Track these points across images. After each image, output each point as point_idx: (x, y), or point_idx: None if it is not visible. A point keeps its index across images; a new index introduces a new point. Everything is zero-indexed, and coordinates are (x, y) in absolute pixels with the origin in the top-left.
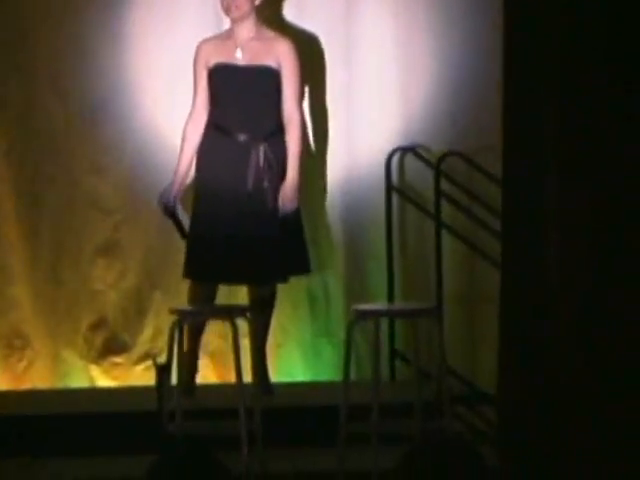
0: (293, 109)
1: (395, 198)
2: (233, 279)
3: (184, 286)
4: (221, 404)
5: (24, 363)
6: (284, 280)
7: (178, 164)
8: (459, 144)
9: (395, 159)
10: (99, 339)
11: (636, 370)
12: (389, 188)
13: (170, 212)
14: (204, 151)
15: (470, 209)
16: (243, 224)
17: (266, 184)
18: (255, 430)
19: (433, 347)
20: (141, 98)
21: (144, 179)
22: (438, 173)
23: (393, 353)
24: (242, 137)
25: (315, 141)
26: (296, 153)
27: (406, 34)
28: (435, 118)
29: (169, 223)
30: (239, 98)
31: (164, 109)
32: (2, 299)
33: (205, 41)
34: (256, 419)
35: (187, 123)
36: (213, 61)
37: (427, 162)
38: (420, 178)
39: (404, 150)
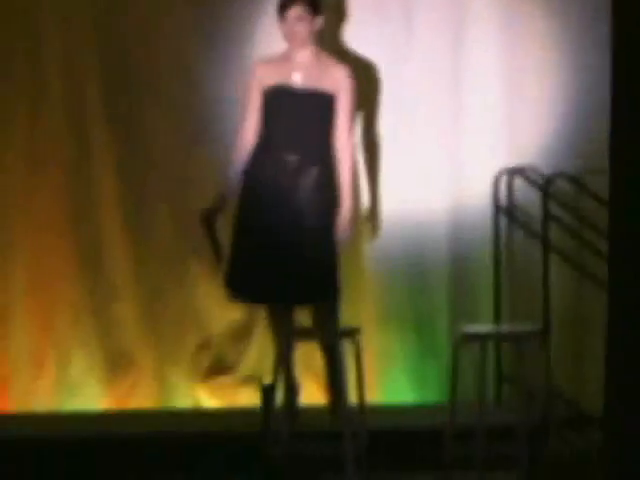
0: (346, 136)
1: (502, 219)
2: (270, 298)
3: None
4: (326, 426)
5: (128, 382)
6: (325, 300)
7: (226, 181)
8: (568, 165)
9: (503, 180)
10: (205, 359)
11: None
12: (497, 209)
13: (208, 225)
14: (252, 172)
15: (578, 231)
16: (285, 246)
17: (314, 208)
18: (360, 452)
19: (540, 370)
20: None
21: None
22: (546, 195)
23: (499, 376)
24: (292, 159)
25: (367, 170)
26: (349, 182)
27: (512, 53)
28: (543, 139)
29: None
30: (292, 121)
31: None
32: (108, 317)
33: (261, 61)
34: (362, 441)
35: (238, 144)
36: (269, 82)
37: (535, 184)
38: (528, 199)
39: (512, 171)
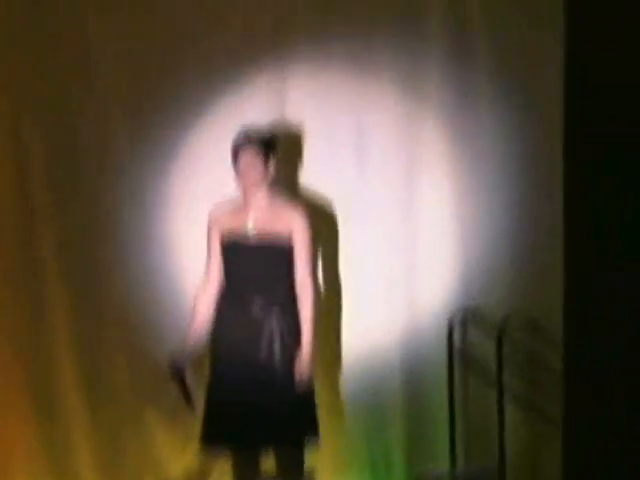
0: (305, 276)
1: (457, 361)
2: (248, 444)
3: None
4: None
5: None
6: (298, 445)
7: (190, 330)
8: (521, 307)
9: (457, 321)
10: None
11: None
12: (451, 353)
13: (180, 377)
14: (218, 319)
15: (532, 373)
16: (256, 391)
17: (278, 354)
18: None
19: None
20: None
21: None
22: (500, 339)
23: None
24: (255, 306)
25: (328, 308)
26: (309, 319)
27: (463, 193)
28: (496, 280)
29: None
30: (252, 271)
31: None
32: (64, 466)
33: (217, 209)
34: None
35: (200, 291)
36: (226, 234)
37: (488, 326)
38: (482, 340)
39: (465, 312)
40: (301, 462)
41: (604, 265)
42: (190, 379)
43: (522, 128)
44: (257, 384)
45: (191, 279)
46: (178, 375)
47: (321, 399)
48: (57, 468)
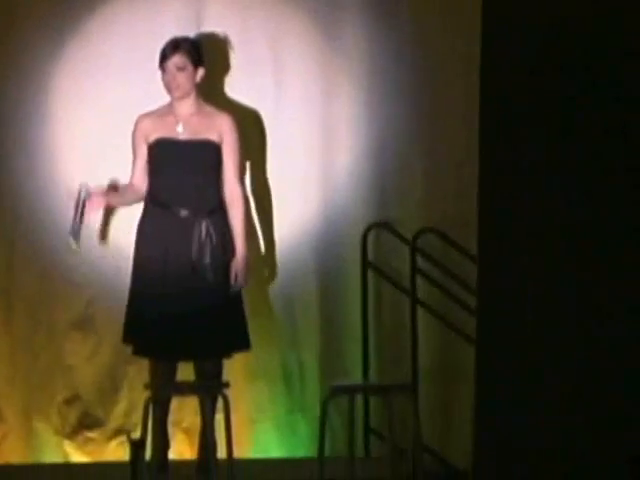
0: (235, 184)
1: (371, 274)
2: (176, 355)
3: None
4: None
5: None
6: (227, 356)
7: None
8: (436, 219)
9: (371, 235)
10: (73, 414)
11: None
12: (365, 264)
13: (82, 205)
14: (143, 227)
15: (445, 285)
16: (185, 300)
17: (208, 260)
18: None
19: (408, 424)
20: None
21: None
22: (414, 250)
23: (368, 429)
24: (183, 212)
25: (259, 216)
26: (241, 229)
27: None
28: (410, 195)
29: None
30: (180, 173)
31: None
32: None
33: (144, 116)
34: None
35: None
36: (153, 136)
37: (402, 238)
38: (396, 254)
39: (380, 226)
40: (219, 369)
41: (519, 182)
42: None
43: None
44: (185, 290)
45: None
46: (81, 203)
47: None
48: None
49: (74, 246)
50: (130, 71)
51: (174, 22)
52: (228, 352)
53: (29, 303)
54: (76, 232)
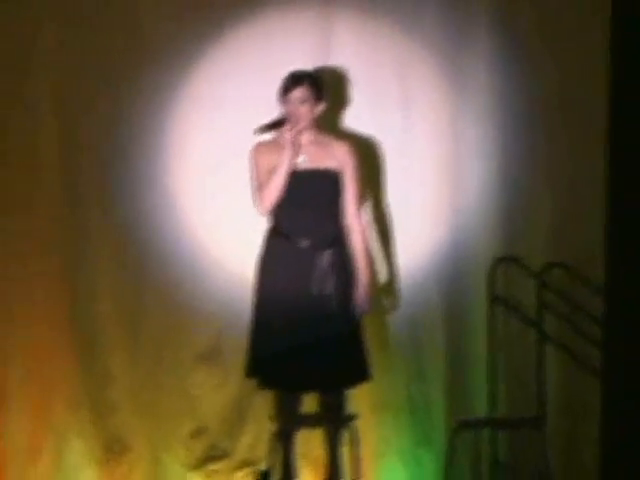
0: (354, 213)
1: (498, 308)
2: (301, 387)
3: None
4: None
5: (124, 468)
6: (350, 387)
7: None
8: (561, 255)
9: (498, 269)
10: (199, 445)
11: None
12: (492, 298)
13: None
14: (266, 257)
15: (572, 320)
16: (308, 331)
17: (331, 290)
18: None
19: (535, 458)
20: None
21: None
22: (541, 284)
23: (494, 464)
24: (304, 243)
25: (380, 246)
26: (362, 258)
27: (505, 135)
28: (537, 229)
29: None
30: (301, 203)
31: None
32: (103, 403)
33: (262, 145)
34: None
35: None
36: (274, 165)
37: (530, 272)
38: (522, 288)
39: (507, 260)
40: (344, 401)
41: None
42: None
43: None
44: (308, 322)
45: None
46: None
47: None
48: (96, 402)
49: (258, 129)
50: (257, 100)
51: (303, 53)
52: (351, 383)
53: (156, 334)
54: (267, 126)
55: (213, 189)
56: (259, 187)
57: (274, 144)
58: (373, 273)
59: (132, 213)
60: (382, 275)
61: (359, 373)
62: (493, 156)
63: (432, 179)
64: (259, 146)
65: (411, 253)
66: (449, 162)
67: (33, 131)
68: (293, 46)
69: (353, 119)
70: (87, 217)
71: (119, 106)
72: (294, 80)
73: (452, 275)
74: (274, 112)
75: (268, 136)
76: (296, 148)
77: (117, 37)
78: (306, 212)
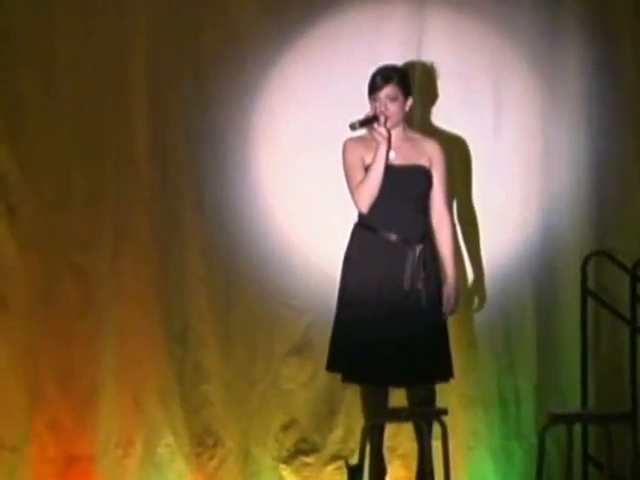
0: (443, 210)
1: (590, 302)
2: (386, 381)
3: None
4: None
5: (215, 461)
6: (434, 383)
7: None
8: None
9: (591, 264)
10: (290, 439)
11: None
12: (585, 292)
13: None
14: (352, 250)
15: None
16: (395, 326)
17: (420, 285)
18: None
19: (627, 453)
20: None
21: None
22: (634, 278)
23: (586, 458)
24: (393, 237)
25: (466, 244)
26: (450, 255)
27: (604, 135)
28: (630, 224)
29: None
30: (392, 198)
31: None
32: (195, 397)
33: (353, 140)
34: None
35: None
36: (367, 161)
37: (623, 267)
38: (615, 282)
39: (600, 254)
40: (433, 395)
41: None
42: None
43: None
44: (396, 316)
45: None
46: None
47: (454, 333)
48: (187, 396)
49: (352, 125)
50: (348, 95)
51: (395, 47)
52: (434, 381)
53: (247, 329)
54: (361, 122)
55: (301, 181)
56: (357, 184)
57: (363, 140)
58: (461, 271)
59: (222, 205)
60: (469, 274)
61: (443, 371)
62: (585, 151)
63: (524, 175)
64: (350, 142)
65: (503, 246)
66: (540, 158)
67: (125, 122)
68: (384, 41)
69: (443, 117)
70: (178, 209)
71: (206, 94)
72: (383, 78)
73: (544, 269)
74: (364, 107)
75: (359, 132)
76: (389, 144)
77: (206, 29)
78: (396, 207)
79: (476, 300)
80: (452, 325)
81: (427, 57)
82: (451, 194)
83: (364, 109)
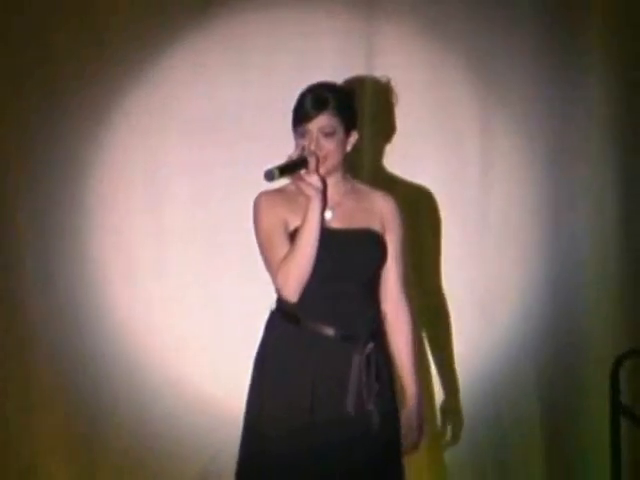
0: (400, 294)
1: (622, 419)
2: None
3: None
4: None
5: None
6: None
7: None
8: None
9: (623, 368)
10: None
11: None
12: (616, 406)
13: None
14: (271, 354)
15: None
16: (337, 466)
17: (372, 405)
18: None
19: None
20: None
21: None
22: None
23: None
24: (333, 333)
25: (431, 342)
26: (410, 363)
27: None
28: None
29: None
30: (330, 275)
31: None
32: None
33: (270, 195)
34: None
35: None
36: (293, 224)
37: None
38: None
39: (633, 354)
40: None
41: None
42: None
43: None
44: (333, 453)
45: None
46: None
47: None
48: None
49: (269, 173)
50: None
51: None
52: None
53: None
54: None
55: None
56: (280, 261)
57: (285, 195)
58: (425, 384)
59: None
60: (438, 391)
61: None
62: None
63: (516, 243)
64: (266, 198)
65: (493, 348)
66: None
67: None
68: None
69: (404, 159)
70: None
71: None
72: (316, 103)
73: (557, 379)
74: (284, 145)
75: (278, 183)
76: (324, 199)
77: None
78: (334, 289)
79: (449, 430)
80: (412, 466)
81: (381, 70)
82: (408, 271)
83: (285, 149)
